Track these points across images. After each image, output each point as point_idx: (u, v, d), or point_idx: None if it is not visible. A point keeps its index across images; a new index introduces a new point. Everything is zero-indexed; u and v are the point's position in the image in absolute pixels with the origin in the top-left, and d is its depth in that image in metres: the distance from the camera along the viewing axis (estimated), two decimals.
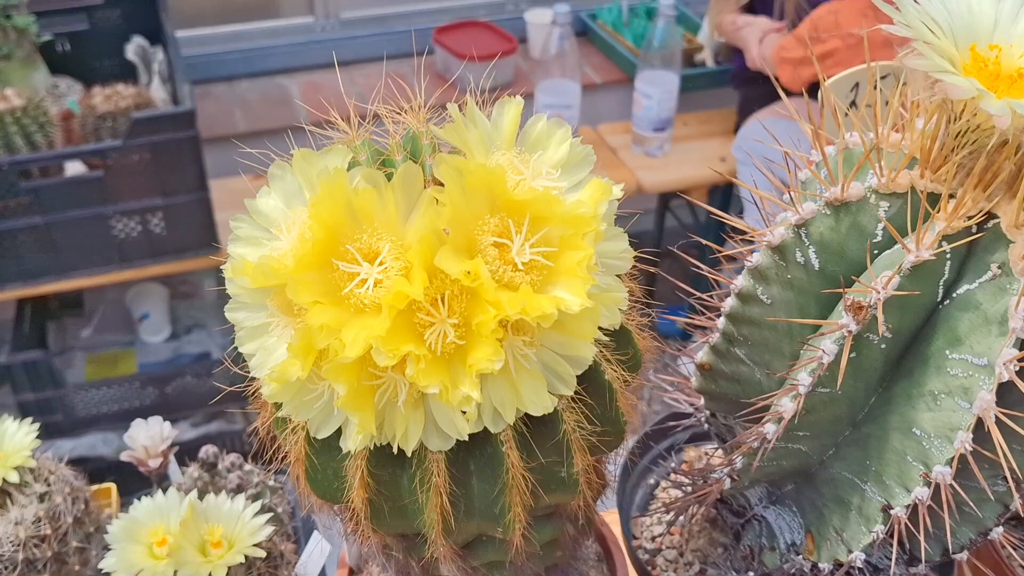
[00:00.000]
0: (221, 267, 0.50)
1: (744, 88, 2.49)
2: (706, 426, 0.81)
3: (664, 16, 2.31)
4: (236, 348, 0.51)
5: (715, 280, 0.71)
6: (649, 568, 0.83)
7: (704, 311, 0.72)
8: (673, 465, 0.93)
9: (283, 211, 0.50)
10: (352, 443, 0.48)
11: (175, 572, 0.68)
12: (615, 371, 0.55)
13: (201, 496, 0.85)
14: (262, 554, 0.71)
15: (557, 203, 0.46)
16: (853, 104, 0.92)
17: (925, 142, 0.55)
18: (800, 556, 0.70)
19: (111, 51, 2.32)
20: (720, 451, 0.80)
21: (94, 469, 2.11)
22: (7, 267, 2.00)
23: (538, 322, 0.45)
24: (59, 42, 2.32)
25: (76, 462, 2.13)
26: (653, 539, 0.86)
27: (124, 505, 0.94)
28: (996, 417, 0.53)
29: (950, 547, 0.61)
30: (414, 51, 2.67)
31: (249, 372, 0.51)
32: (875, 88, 0.62)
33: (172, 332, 2.41)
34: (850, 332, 0.55)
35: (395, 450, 0.49)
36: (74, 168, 2.06)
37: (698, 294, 0.70)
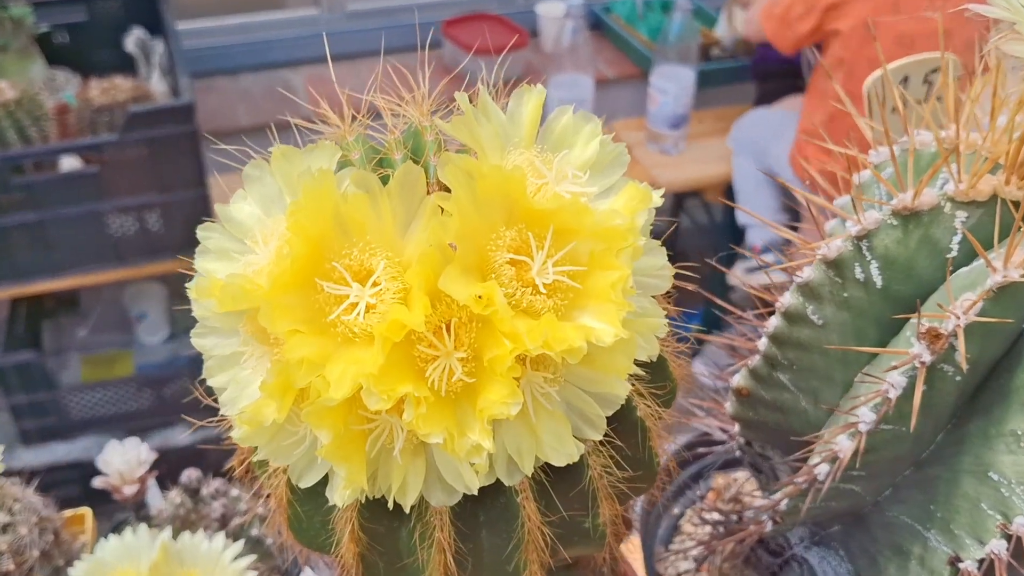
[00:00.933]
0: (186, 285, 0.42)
1: (762, 83, 2.41)
2: (738, 453, 0.74)
3: (681, 10, 2.23)
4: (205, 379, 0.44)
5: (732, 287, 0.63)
6: None
7: (727, 318, 0.65)
8: (700, 493, 0.85)
9: (260, 219, 0.42)
10: (339, 497, 0.40)
11: None
12: (648, 407, 0.47)
13: (183, 525, 0.77)
14: None
15: (587, 213, 0.38)
16: (894, 110, 0.84)
17: (1012, 143, 0.47)
18: None
19: (110, 43, 2.25)
20: (756, 486, 0.72)
21: (88, 474, 2.04)
22: None
23: (563, 357, 0.37)
24: (57, 33, 2.25)
25: (70, 467, 2.07)
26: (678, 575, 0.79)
27: (102, 529, 0.87)
28: None
29: None
30: (423, 44, 2.59)
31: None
32: (936, 78, 0.54)
33: (171, 332, 2.34)
34: (923, 363, 0.47)
35: (391, 504, 0.41)
36: (69, 163, 1.99)
37: (741, 313, 0.63)
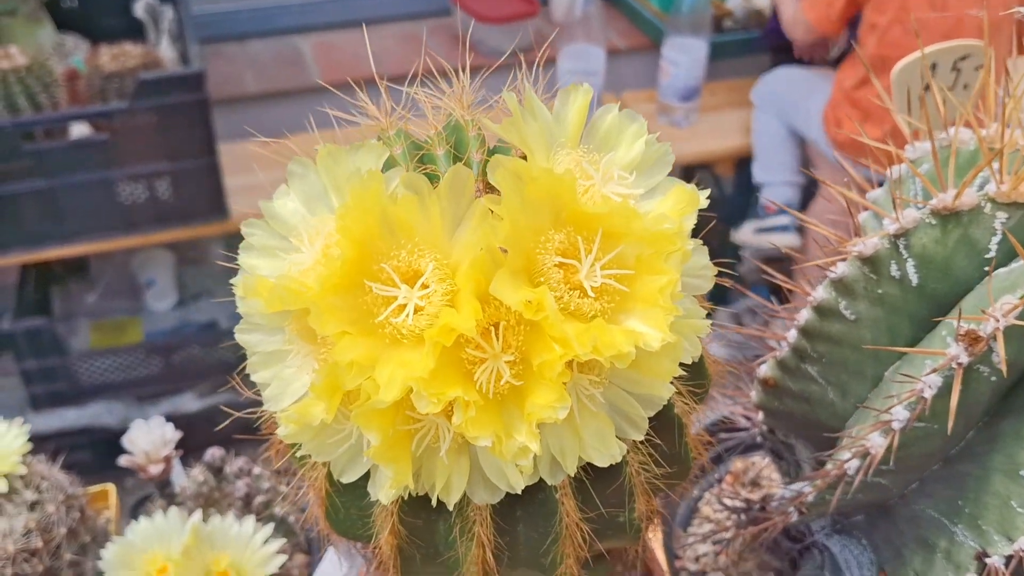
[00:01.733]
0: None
1: (777, 55, 2.39)
2: (760, 440, 0.74)
3: None
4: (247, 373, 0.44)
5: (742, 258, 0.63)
6: None
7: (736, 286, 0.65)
8: (719, 476, 0.86)
9: (304, 216, 0.42)
10: (384, 495, 0.40)
11: None
12: (685, 404, 0.47)
13: (207, 504, 0.78)
14: None
15: (636, 217, 0.38)
16: (928, 88, 0.83)
17: None
18: None
19: (119, 8, 2.23)
20: (775, 470, 0.73)
21: (97, 439, 2.05)
22: (9, 232, 1.94)
23: (612, 362, 0.37)
24: None
25: (80, 432, 2.09)
26: (697, 559, 0.79)
27: (124, 504, 0.88)
28: None
29: None
30: (432, 12, 2.57)
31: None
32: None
33: (179, 299, 2.34)
34: (960, 365, 0.47)
35: (434, 502, 0.41)
36: (79, 130, 1.99)
37: (746, 291, 0.63)
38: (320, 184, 0.42)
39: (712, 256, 0.50)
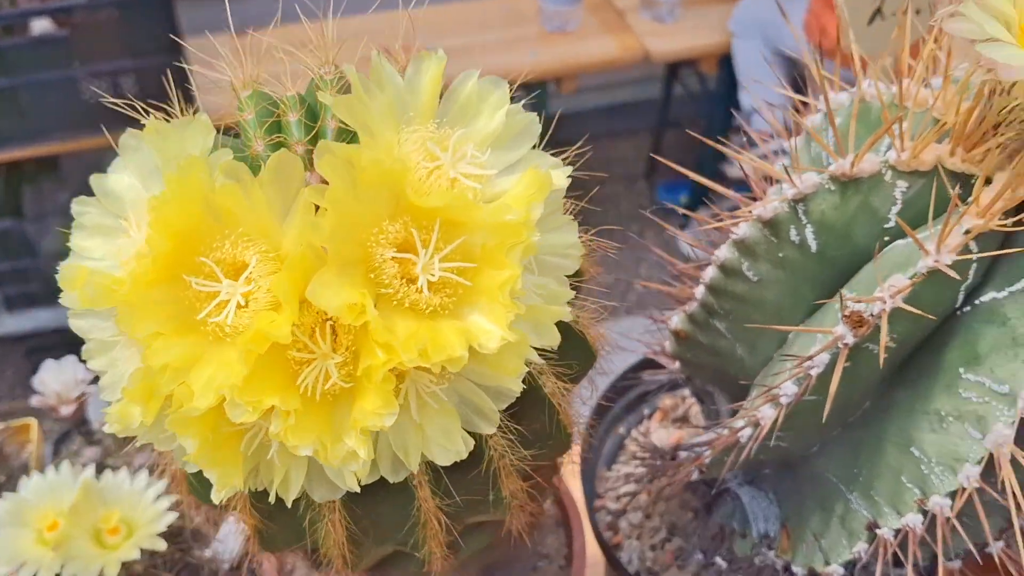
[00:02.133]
0: None
1: None
2: (681, 383, 0.73)
3: None
4: None
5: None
6: (611, 534, 0.76)
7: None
8: (648, 412, 0.85)
9: (140, 193, 0.40)
10: (214, 495, 0.39)
11: (63, 565, 0.61)
12: (556, 384, 0.45)
13: (125, 442, 0.77)
14: (162, 546, 0.63)
15: (474, 208, 0.36)
16: (879, 12, 0.79)
17: (961, 113, 0.44)
18: (773, 552, 0.62)
19: None
20: (693, 430, 0.72)
21: (73, 340, 2.06)
22: None
23: (443, 368, 0.35)
24: None
25: (54, 332, 2.08)
26: (618, 498, 0.79)
27: (50, 435, 0.87)
28: (1012, 456, 0.44)
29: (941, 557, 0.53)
30: None
31: None
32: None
33: None
34: (846, 345, 0.45)
35: (272, 499, 0.40)
36: (41, 26, 1.92)
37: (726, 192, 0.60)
38: (153, 160, 0.39)
39: (695, 156, 0.47)
